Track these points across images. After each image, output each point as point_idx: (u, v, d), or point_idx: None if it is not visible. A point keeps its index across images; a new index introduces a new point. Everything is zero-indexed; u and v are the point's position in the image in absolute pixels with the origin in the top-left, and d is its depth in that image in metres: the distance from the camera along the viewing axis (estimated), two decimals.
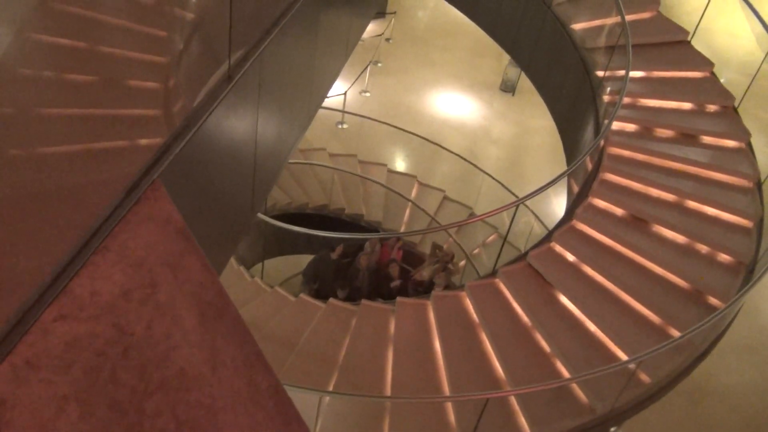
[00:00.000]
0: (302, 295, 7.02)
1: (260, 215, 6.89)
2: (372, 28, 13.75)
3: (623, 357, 4.90)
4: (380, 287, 7.40)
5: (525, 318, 5.47)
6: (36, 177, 1.77)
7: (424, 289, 6.98)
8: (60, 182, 1.86)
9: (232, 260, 7.98)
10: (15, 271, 1.68)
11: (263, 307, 7.08)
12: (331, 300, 6.68)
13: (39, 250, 1.77)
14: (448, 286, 6.99)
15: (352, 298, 7.15)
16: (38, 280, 1.71)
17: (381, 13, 14.65)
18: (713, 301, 5.11)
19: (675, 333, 4.93)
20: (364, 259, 7.37)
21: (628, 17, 6.77)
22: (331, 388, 5.48)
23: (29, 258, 1.74)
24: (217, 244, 3.22)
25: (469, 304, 5.83)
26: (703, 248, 5.47)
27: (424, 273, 7.15)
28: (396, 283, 7.27)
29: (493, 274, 6.00)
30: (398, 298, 6.20)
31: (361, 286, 7.38)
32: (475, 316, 5.71)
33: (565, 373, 4.96)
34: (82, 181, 1.96)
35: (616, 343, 5.01)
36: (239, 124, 2.98)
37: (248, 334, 1.94)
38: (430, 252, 7.71)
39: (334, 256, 7.48)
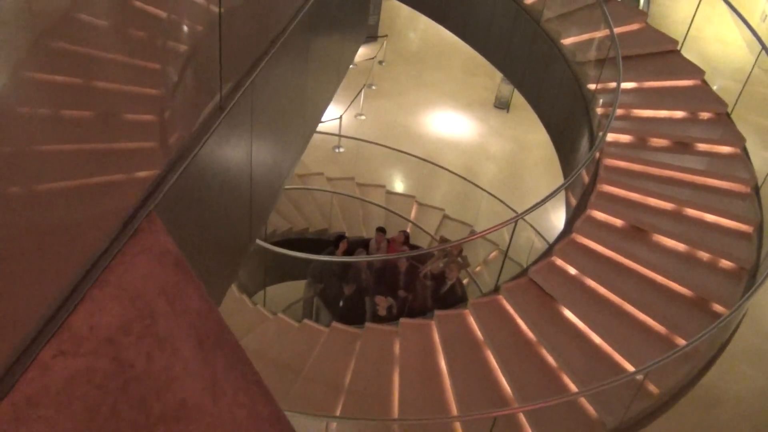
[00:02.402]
0: (305, 321, 7.00)
1: (259, 242, 6.89)
2: (365, 52, 13.86)
3: (630, 368, 4.87)
4: (388, 283, 7.40)
5: (530, 333, 5.45)
6: (32, 213, 1.77)
7: (434, 283, 6.96)
8: (56, 218, 1.87)
9: (234, 288, 7.97)
10: (13, 308, 1.68)
11: (267, 334, 7.05)
12: (335, 324, 6.67)
13: (36, 286, 1.77)
14: (458, 279, 6.97)
15: (359, 294, 7.17)
16: (36, 316, 1.71)
17: (373, 37, 14.80)
18: (717, 307, 5.10)
19: (680, 342, 4.91)
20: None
21: (617, 30, 6.83)
22: (338, 412, 5.45)
23: (27, 294, 1.74)
24: (216, 273, 3.22)
25: (473, 322, 5.81)
26: (704, 255, 5.47)
27: (439, 264, 7.11)
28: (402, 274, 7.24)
29: (496, 290, 5.99)
30: (401, 320, 6.18)
31: (366, 284, 7.39)
32: (479, 333, 5.68)
33: (573, 388, 4.93)
34: (78, 216, 1.97)
35: (622, 355, 4.98)
36: (233, 152, 3.00)
37: (248, 362, 1.93)
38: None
39: (338, 253, 7.55)
